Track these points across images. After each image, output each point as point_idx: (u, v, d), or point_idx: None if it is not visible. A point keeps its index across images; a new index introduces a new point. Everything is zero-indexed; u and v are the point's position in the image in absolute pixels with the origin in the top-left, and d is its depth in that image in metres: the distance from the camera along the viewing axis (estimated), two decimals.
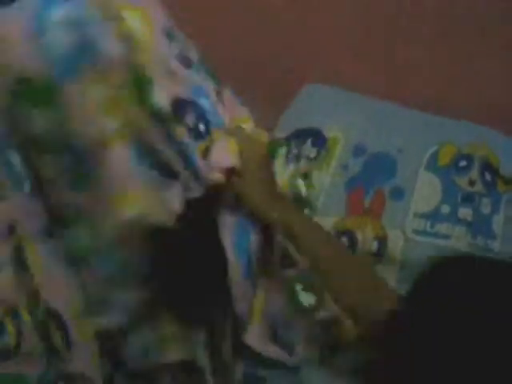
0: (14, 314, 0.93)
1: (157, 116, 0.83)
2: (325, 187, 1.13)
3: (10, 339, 0.93)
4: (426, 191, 1.08)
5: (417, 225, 1.05)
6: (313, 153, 1.18)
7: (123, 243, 0.88)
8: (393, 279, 1.04)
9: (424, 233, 1.04)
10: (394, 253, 1.04)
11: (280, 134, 1.25)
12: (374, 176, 1.11)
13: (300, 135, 1.21)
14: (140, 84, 0.82)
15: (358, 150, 1.14)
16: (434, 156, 1.11)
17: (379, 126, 1.17)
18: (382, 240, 1.05)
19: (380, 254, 1.05)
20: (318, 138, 1.19)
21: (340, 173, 1.13)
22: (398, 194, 1.08)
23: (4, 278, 0.92)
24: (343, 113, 1.21)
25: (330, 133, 1.18)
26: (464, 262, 0.72)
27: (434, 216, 1.06)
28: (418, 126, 1.16)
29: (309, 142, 1.19)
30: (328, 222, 1.09)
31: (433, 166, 1.10)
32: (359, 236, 1.07)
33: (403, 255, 1.04)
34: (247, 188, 0.86)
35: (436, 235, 1.04)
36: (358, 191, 1.10)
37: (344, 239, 1.07)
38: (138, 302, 0.93)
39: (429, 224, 1.05)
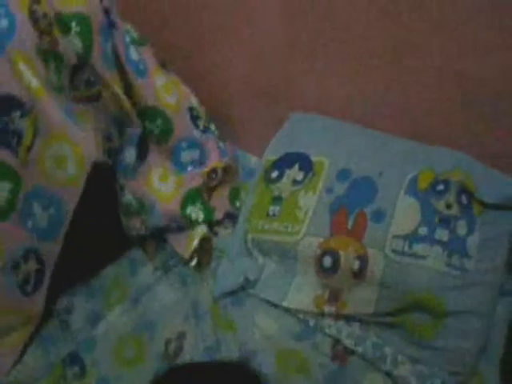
0: None
1: None
2: (311, 209, 1.19)
3: None
4: (406, 214, 1.12)
5: (396, 245, 1.09)
6: (299, 176, 1.24)
7: None
8: (374, 297, 1.10)
9: (402, 253, 1.08)
10: (374, 272, 1.09)
11: (270, 156, 1.33)
12: (356, 198, 1.16)
13: (288, 159, 1.28)
14: None
15: (343, 175, 1.20)
16: (414, 180, 1.15)
17: (362, 152, 1.23)
18: (364, 259, 1.10)
19: (361, 273, 1.10)
20: (304, 162, 1.25)
21: (325, 196, 1.19)
22: (379, 215, 1.13)
23: None
24: (328, 139, 1.27)
25: (315, 158, 1.25)
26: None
27: (412, 237, 1.09)
28: (399, 151, 1.22)
29: (296, 165, 1.26)
30: (315, 242, 1.15)
31: (413, 190, 1.14)
32: (342, 255, 1.12)
33: (383, 274, 1.09)
34: None
35: (414, 255, 1.08)
36: (342, 213, 1.16)
37: (328, 258, 1.14)
38: None
39: (407, 244, 1.09)
